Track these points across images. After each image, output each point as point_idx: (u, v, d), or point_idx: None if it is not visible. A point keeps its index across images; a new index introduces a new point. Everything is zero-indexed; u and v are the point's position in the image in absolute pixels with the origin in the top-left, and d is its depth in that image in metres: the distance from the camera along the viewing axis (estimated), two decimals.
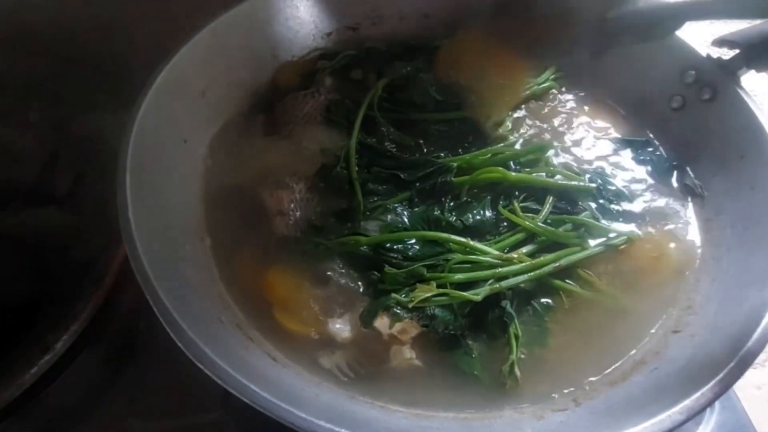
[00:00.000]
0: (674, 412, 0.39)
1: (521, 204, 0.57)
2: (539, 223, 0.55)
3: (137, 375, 0.53)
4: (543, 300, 0.52)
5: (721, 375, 0.41)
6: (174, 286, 0.43)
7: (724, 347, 0.44)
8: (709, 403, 0.40)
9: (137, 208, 0.45)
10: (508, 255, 0.52)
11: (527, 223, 0.54)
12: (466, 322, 0.49)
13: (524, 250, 0.54)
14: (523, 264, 0.52)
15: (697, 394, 0.40)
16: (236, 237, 0.55)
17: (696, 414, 0.39)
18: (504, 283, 0.50)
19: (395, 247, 0.52)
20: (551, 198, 0.57)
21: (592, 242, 0.56)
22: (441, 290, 0.49)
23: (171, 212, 0.52)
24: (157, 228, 0.48)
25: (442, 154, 0.61)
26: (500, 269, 0.51)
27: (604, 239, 0.56)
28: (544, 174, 0.60)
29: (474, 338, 0.49)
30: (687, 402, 0.39)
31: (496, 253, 0.53)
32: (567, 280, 0.53)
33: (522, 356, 0.48)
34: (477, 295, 0.49)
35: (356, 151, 0.60)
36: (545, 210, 0.56)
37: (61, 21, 0.67)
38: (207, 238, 0.54)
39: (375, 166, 0.60)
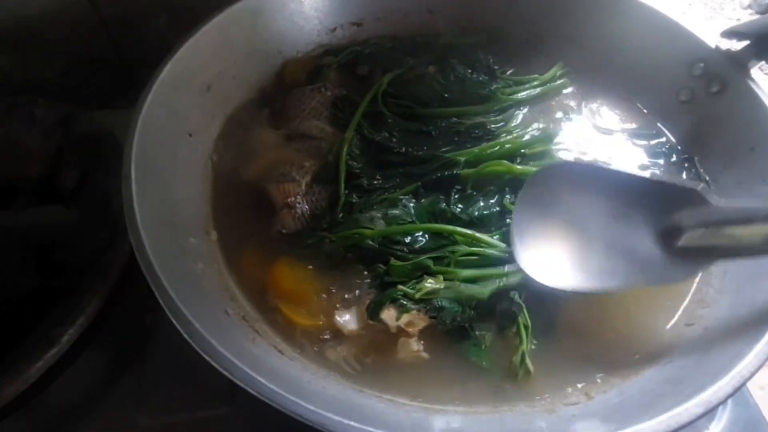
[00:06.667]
0: (691, 405, 0.38)
1: None
2: None
3: (144, 370, 0.53)
4: (552, 290, 0.51)
5: (738, 367, 0.40)
6: (179, 279, 0.42)
7: (739, 340, 0.43)
8: (728, 397, 0.39)
9: (142, 200, 0.45)
10: None
11: None
12: (475, 314, 0.49)
13: None
14: None
15: (715, 387, 0.39)
16: (243, 230, 0.55)
17: (714, 407, 0.38)
18: (511, 279, 0.50)
19: (401, 239, 0.52)
20: None
21: None
22: (448, 284, 0.49)
23: (177, 205, 0.52)
24: (163, 221, 0.47)
25: (449, 148, 0.61)
26: (507, 266, 0.50)
27: None
28: None
29: (483, 329, 0.49)
30: (704, 395, 0.38)
31: (503, 246, 0.52)
32: None
33: (533, 347, 0.47)
34: (484, 291, 0.48)
35: (361, 145, 0.60)
36: None
37: (67, 18, 0.67)
38: (213, 231, 0.54)
39: (381, 160, 0.59)
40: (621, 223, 0.47)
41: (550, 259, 0.48)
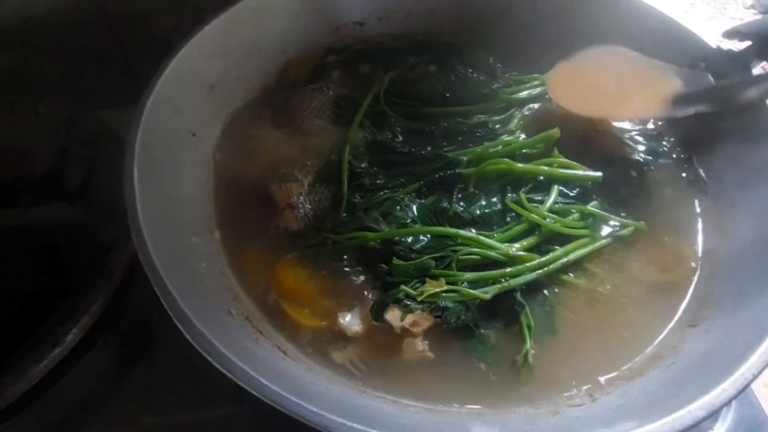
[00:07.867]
0: (694, 408, 0.38)
1: (528, 195, 0.56)
2: (546, 213, 0.54)
3: (149, 369, 0.53)
4: (554, 291, 0.52)
5: (741, 369, 0.40)
6: (182, 278, 0.42)
7: (743, 341, 0.43)
8: (731, 399, 0.38)
9: (145, 199, 0.45)
10: (516, 253, 0.52)
11: (534, 216, 0.54)
12: (479, 313, 0.49)
13: (531, 239, 0.53)
14: (532, 263, 0.51)
15: (718, 390, 0.39)
16: (246, 230, 0.55)
17: (717, 410, 0.38)
18: (513, 282, 0.50)
19: (403, 239, 0.52)
20: (556, 187, 0.57)
21: (600, 233, 0.55)
22: (450, 287, 0.49)
23: (180, 204, 0.52)
24: (166, 220, 0.47)
25: (452, 148, 0.61)
26: (509, 269, 0.51)
27: (611, 230, 0.56)
28: (549, 165, 0.59)
29: (487, 327, 0.49)
30: (707, 397, 0.38)
31: (504, 248, 0.52)
32: (574, 274, 0.53)
33: (536, 349, 0.48)
34: (486, 293, 0.49)
35: (363, 144, 0.60)
36: (551, 199, 0.56)
37: (71, 17, 0.67)
38: (216, 231, 0.54)
39: (384, 159, 0.59)
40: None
41: (573, 94, 0.65)
